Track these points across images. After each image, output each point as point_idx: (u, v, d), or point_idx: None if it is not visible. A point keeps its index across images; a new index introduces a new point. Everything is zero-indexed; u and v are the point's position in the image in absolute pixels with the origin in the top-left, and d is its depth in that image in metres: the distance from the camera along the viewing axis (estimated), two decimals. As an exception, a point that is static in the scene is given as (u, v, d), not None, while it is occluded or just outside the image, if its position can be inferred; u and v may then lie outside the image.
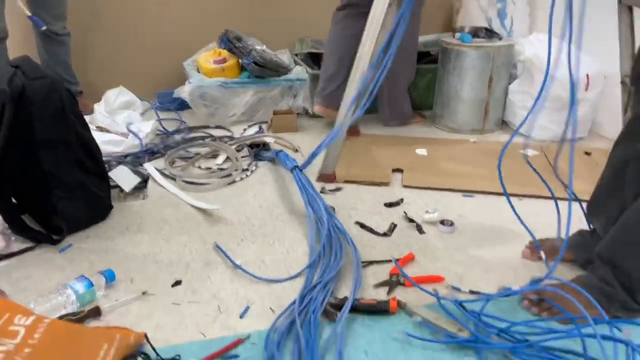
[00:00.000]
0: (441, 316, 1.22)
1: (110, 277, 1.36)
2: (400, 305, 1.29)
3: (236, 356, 1.14)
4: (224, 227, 1.69)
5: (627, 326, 1.21)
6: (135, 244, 1.58)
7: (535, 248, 1.50)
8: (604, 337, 1.09)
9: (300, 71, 2.73)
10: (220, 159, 2.17)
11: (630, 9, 2.06)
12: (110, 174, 1.88)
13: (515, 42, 2.60)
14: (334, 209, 1.77)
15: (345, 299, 1.28)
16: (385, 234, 1.66)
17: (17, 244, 1.54)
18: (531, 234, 1.40)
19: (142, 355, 1.08)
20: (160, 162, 2.14)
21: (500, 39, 2.59)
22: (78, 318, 1.21)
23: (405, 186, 2.00)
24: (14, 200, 1.63)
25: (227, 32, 2.72)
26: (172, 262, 1.49)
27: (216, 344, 1.16)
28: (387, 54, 1.83)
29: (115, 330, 1.13)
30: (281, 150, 2.16)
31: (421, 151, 2.33)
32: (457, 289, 1.37)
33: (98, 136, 1.98)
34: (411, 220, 1.73)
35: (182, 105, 2.70)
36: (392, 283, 1.39)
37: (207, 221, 1.72)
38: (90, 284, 1.29)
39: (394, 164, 2.16)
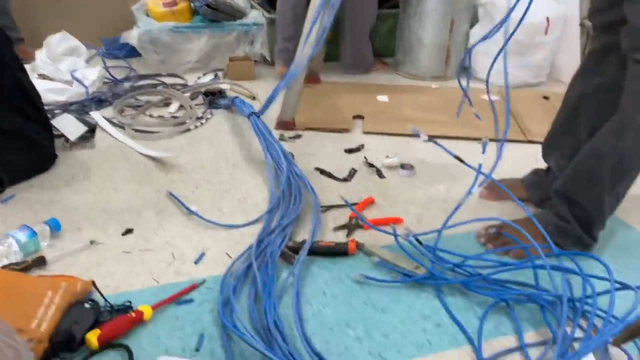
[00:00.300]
0: (399, 255, 1.22)
1: (55, 226, 1.29)
2: (359, 247, 1.27)
3: (191, 300, 1.10)
4: (178, 175, 1.62)
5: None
6: (83, 193, 1.50)
7: (492, 189, 1.51)
8: (553, 268, 1.11)
9: (257, 15, 2.60)
10: (173, 107, 2.07)
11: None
12: (53, 122, 1.77)
13: (476, -16, 2.55)
14: (293, 156, 1.72)
15: (304, 242, 1.25)
16: (345, 179, 1.63)
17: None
18: (474, 171, 1.37)
19: (90, 302, 1.03)
20: (109, 111, 2.03)
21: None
22: (22, 268, 1.15)
23: (366, 132, 1.96)
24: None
25: (177, -27, 2.56)
26: (122, 211, 1.42)
27: (170, 290, 1.12)
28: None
29: (61, 279, 1.08)
30: (237, 97, 2.07)
31: (382, 98, 2.29)
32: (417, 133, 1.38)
33: (40, 84, 1.85)
34: (371, 166, 1.71)
35: (132, 52, 2.55)
36: (351, 226, 1.38)
37: (160, 169, 1.65)
38: (33, 233, 1.22)
39: (354, 110, 2.12)
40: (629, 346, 0.97)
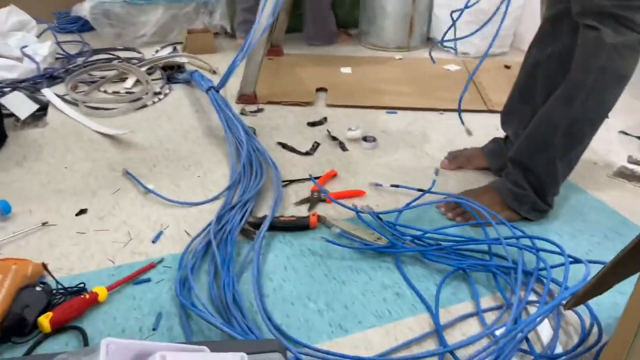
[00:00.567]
0: (360, 227, 1.21)
1: (4, 208, 1.24)
2: (320, 220, 1.27)
3: (148, 280, 1.08)
4: (134, 153, 1.57)
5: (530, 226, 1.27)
6: (34, 174, 1.44)
7: (453, 158, 1.52)
8: (509, 244, 1.13)
9: (215, -15, 2.52)
10: (129, 82, 2.00)
11: None
12: (2, 100, 1.69)
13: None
14: (254, 131, 1.69)
15: (265, 217, 1.24)
16: (307, 153, 1.62)
17: None
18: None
19: (41, 285, 1.00)
20: (61, 88, 1.95)
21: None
22: (-32, 254, 1.10)
23: (329, 105, 1.94)
24: None
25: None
26: (76, 191, 1.37)
27: (126, 270, 1.10)
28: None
29: (11, 262, 1.04)
30: (196, 71, 2.02)
31: (346, 70, 2.27)
32: (380, 185, 1.41)
33: (-14, 60, 1.77)
34: (334, 139, 1.69)
35: (85, 26, 2.45)
36: (312, 200, 1.37)
37: (115, 147, 1.60)
38: (-20, 217, 1.17)
39: (318, 83, 2.09)
40: (580, 308, 1.00)
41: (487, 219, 1.19)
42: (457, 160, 1.52)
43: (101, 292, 1.01)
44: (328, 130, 1.74)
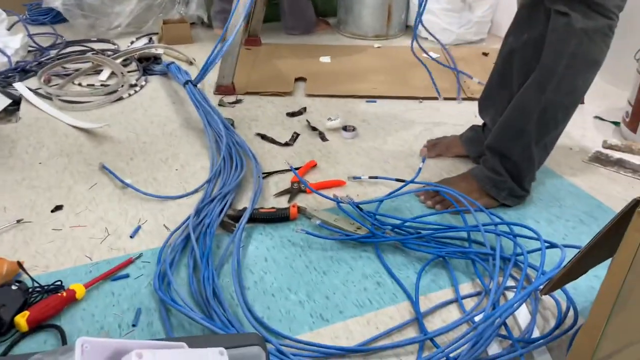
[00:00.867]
0: (340, 217, 1.22)
1: (-24, 207, 1.21)
2: (300, 211, 1.26)
3: (127, 276, 1.07)
4: (110, 146, 1.55)
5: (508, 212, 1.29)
6: (7, 170, 1.41)
7: (432, 146, 1.52)
8: (485, 225, 1.15)
9: (190, -25, 2.48)
10: (104, 75, 1.96)
11: None
12: (-29, 95, 1.65)
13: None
14: (233, 122, 1.67)
15: (245, 209, 1.23)
16: (287, 144, 1.61)
17: None
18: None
19: (17, 284, 0.98)
20: (34, 81, 1.90)
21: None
22: (-60, 254, 1.08)
23: (308, 95, 1.93)
24: None
25: None
26: (51, 187, 1.35)
27: (104, 266, 1.08)
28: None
29: (-16, 262, 1.02)
30: (172, 63, 1.99)
31: (325, 59, 2.25)
32: (358, 177, 1.41)
33: (-47, 54, 1.72)
34: (314, 129, 1.69)
35: (57, 17, 2.39)
36: (293, 191, 1.36)
37: (91, 141, 1.57)
38: (-49, 216, 1.15)
39: (296, 73, 2.08)
40: (557, 292, 1.02)
41: (466, 206, 1.20)
42: (436, 148, 1.52)
43: (79, 289, 0.99)
44: (307, 121, 1.73)
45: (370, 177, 1.42)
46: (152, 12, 2.40)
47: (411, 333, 0.96)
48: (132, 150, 1.53)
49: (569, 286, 1.02)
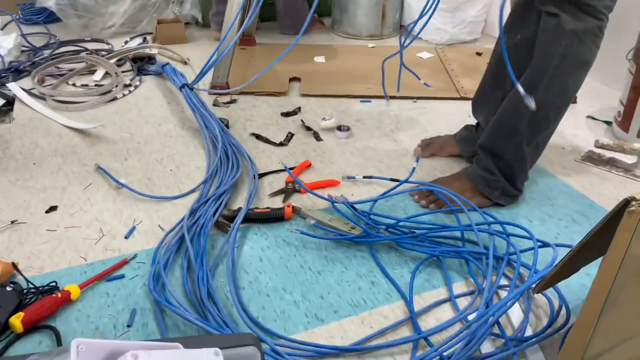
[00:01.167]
0: (335, 217, 1.22)
1: (-30, 208, 1.21)
2: (295, 211, 1.27)
3: (121, 276, 1.07)
4: (105, 147, 1.54)
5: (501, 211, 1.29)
6: (1, 171, 1.41)
7: (426, 146, 1.53)
8: (479, 224, 1.16)
9: (185, -26, 2.48)
10: (98, 75, 1.96)
11: None
12: (-36, 96, 1.64)
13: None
14: (227, 122, 1.67)
15: (239, 209, 1.24)
16: (281, 144, 1.61)
17: None
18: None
19: (11, 285, 0.98)
20: (28, 81, 1.89)
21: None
22: None
23: (302, 95, 1.93)
24: None
25: None
26: (46, 188, 1.35)
27: (99, 267, 1.09)
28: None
29: (-22, 264, 1.02)
30: (168, 64, 1.98)
31: (319, 59, 2.26)
32: (352, 177, 1.42)
33: (-54, 54, 1.71)
34: (308, 129, 1.69)
35: (51, 17, 2.38)
36: (287, 191, 1.37)
37: (85, 142, 1.57)
38: (-55, 218, 1.14)
39: (291, 73, 2.08)
40: (549, 291, 1.03)
41: (460, 205, 1.21)
42: (429, 147, 1.53)
43: (73, 290, 0.99)
44: (302, 120, 1.73)
45: (365, 177, 1.42)
46: (146, 12, 2.40)
47: (405, 332, 0.97)
48: (127, 150, 1.53)
49: (561, 285, 1.03)
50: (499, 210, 1.30)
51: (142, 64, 2.07)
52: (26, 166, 1.44)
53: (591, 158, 1.54)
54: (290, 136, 1.65)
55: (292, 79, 2.04)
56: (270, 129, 1.69)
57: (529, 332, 0.96)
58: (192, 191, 1.35)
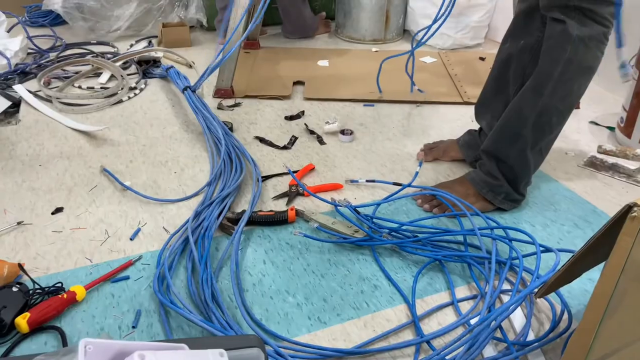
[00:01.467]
0: (338, 220, 1.23)
1: (-23, 209, 1.22)
2: (298, 214, 1.28)
3: (127, 278, 1.08)
4: (110, 149, 1.56)
5: (504, 216, 1.30)
6: (7, 173, 1.42)
7: (429, 150, 1.54)
8: (481, 229, 1.16)
9: (190, -22, 2.49)
10: (104, 78, 1.97)
11: None
12: (-28, 98, 1.65)
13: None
14: (231, 126, 1.69)
15: (243, 212, 1.24)
16: (285, 147, 1.62)
17: None
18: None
19: (18, 285, 0.99)
20: (34, 84, 1.91)
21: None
22: (-60, 256, 1.09)
23: (306, 99, 1.94)
24: None
25: None
26: (52, 189, 1.36)
27: (104, 268, 1.09)
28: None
29: (-15, 264, 1.03)
30: (172, 67, 1.99)
31: (323, 63, 2.27)
32: (356, 181, 1.43)
33: (-47, 55, 1.73)
34: (312, 132, 1.70)
35: (57, 19, 2.40)
36: (291, 194, 1.37)
37: (91, 144, 1.58)
38: (-48, 218, 1.15)
39: (295, 76, 2.09)
40: (551, 295, 1.03)
41: (462, 210, 1.22)
42: (433, 152, 1.54)
43: (79, 291, 1.00)
44: (305, 124, 1.74)
45: (368, 181, 1.43)
46: (151, 16, 2.41)
47: (408, 335, 0.97)
48: (132, 152, 1.55)
49: (563, 289, 1.03)
50: (502, 215, 1.30)
51: (147, 67, 2.08)
52: (32, 168, 1.45)
53: (594, 163, 1.55)
54: (293, 140, 1.66)
55: (296, 83, 2.05)
56: (274, 133, 1.69)
57: (531, 336, 0.96)
58: (197, 194, 1.36)
